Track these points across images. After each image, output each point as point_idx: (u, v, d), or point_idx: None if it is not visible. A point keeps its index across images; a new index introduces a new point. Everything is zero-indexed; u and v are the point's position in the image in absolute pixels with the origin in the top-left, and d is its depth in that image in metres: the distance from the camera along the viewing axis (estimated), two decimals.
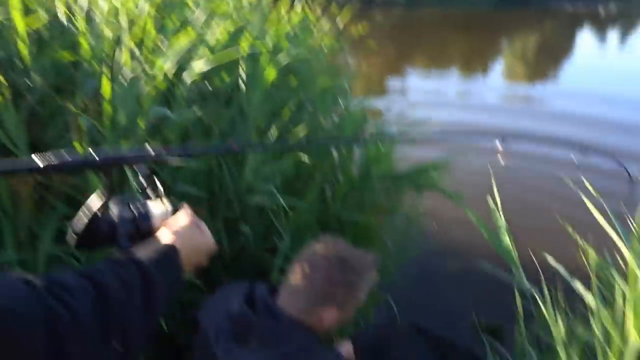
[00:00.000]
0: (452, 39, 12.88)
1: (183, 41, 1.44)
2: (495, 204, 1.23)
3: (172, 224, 0.69)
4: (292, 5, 2.40)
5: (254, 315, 0.93)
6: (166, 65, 1.38)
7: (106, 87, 1.26)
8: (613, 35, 15.59)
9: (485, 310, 2.39)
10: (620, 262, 1.26)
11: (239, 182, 1.64)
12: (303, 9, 2.31)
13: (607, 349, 0.91)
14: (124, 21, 1.40)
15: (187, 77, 1.55)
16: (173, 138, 1.50)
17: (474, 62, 9.90)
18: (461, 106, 5.92)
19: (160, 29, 1.55)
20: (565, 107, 5.81)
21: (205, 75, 1.70)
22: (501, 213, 1.22)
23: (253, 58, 1.90)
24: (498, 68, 9.75)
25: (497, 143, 1.19)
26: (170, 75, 1.52)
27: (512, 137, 1.20)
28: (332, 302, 0.95)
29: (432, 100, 6.15)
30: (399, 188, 1.92)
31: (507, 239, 1.22)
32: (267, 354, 0.88)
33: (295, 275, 0.97)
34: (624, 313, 0.97)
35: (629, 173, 1.29)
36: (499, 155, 1.15)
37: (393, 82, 7.54)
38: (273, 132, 1.62)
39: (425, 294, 2.60)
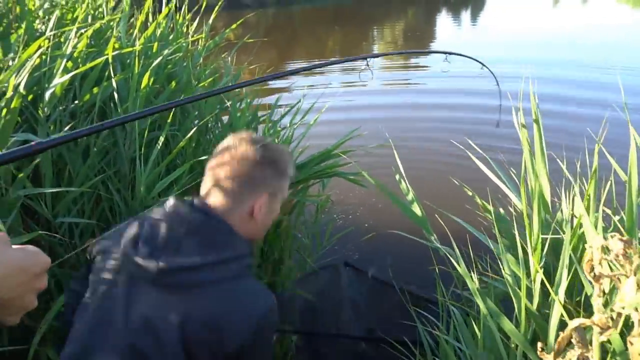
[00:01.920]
0: (327, 34, 13.33)
1: (33, 52, 1.24)
2: (402, 175, 1.27)
3: None
4: (159, 9, 2.25)
5: (186, 217, 0.86)
6: (18, 81, 1.19)
7: None
8: (465, 15, 17.44)
9: (410, 280, 2.50)
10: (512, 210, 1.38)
11: (132, 203, 1.49)
12: (170, 11, 2.17)
13: (517, 290, 0.97)
14: None
15: (49, 94, 1.36)
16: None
17: (350, 52, 10.35)
18: (346, 93, 6.15)
19: (4, 42, 1.32)
20: (440, 86, 6.36)
21: (70, 90, 1.51)
22: (407, 183, 1.26)
23: (123, 64, 1.74)
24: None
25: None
26: (26, 93, 1.32)
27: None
28: (262, 186, 0.92)
29: (318, 92, 6.33)
30: (301, 180, 1.91)
31: (418, 208, 1.25)
32: (205, 258, 0.82)
33: (217, 170, 0.91)
34: (524, 253, 1.06)
35: (494, 75, 1.39)
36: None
37: (278, 81, 7.55)
38: (160, 141, 1.49)
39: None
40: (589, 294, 0.62)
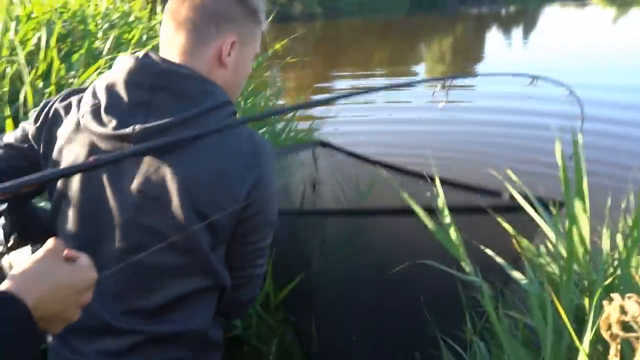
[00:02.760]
0: (374, 46, 13.37)
1: (92, 72, 1.34)
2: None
3: (20, 267, 0.52)
4: None
5: (147, 71, 0.75)
6: None
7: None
8: (517, 32, 16.95)
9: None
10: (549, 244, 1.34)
11: None
12: None
13: (544, 333, 0.95)
14: (22, 57, 1.27)
15: None
16: None
17: (397, 66, 10.33)
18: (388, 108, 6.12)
19: (66, 61, 1.43)
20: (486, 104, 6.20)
21: None
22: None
23: None
24: (420, 70, 10.23)
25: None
26: None
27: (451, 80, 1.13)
28: (229, 24, 0.80)
29: (360, 106, 6.33)
30: None
31: (454, 234, 1.24)
32: (183, 113, 0.74)
33: (175, 11, 0.79)
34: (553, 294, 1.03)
35: (579, 102, 1.25)
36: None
37: (322, 92, 7.65)
38: None
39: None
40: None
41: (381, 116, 5.70)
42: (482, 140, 4.89)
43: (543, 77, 1.15)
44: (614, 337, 0.51)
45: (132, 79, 0.75)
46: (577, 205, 1.11)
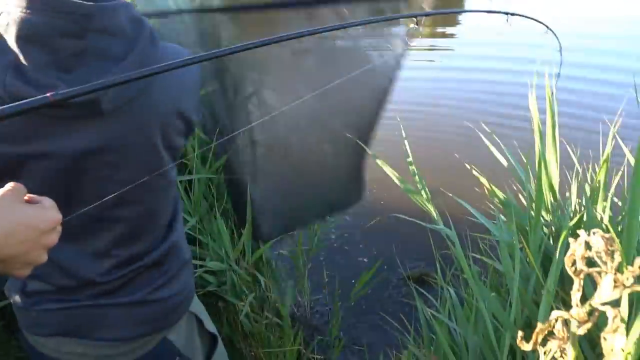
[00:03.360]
0: None
1: None
2: (407, 153, 1.25)
3: None
4: None
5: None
6: None
7: None
8: None
9: (411, 260, 2.51)
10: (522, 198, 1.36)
11: None
12: None
13: (512, 275, 0.97)
14: None
15: None
16: None
17: None
18: None
19: None
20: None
21: None
22: (413, 162, 1.25)
23: None
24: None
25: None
26: None
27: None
28: None
29: None
30: None
31: (422, 189, 1.25)
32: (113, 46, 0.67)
33: None
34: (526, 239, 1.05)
35: (557, 37, 1.22)
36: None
37: None
38: None
39: (354, 255, 2.68)
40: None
41: None
42: (457, 91, 4.88)
43: (519, 13, 1.11)
44: (577, 272, 0.51)
45: (59, 28, 0.63)
46: (548, 154, 1.12)
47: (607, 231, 0.94)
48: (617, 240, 0.47)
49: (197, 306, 0.99)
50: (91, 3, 0.64)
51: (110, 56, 0.67)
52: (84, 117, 0.67)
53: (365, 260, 2.43)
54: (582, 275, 0.50)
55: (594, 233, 0.48)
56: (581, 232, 0.50)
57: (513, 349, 0.99)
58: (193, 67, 0.76)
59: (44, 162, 0.68)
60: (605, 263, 0.48)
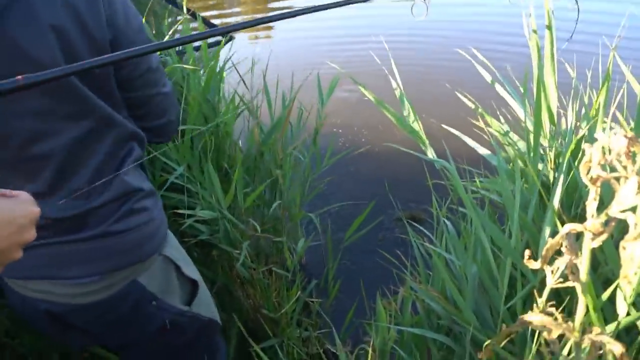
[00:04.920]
0: None
1: None
2: (397, 82, 1.19)
3: None
4: None
5: None
6: None
7: None
8: None
9: (403, 201, 2.50)
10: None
11: None
12: None
13: (511, 198, 0.94)
14: None
15: None
16: None
17: None
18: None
19: None
20: None
21: None
22: (402, 90, 1.18)
23: None
24: None
25: None
26: None
27: None
28: None
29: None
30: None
31: (414, 120, 1.19)
32: None
33: None
34: (524, 164, 1.01)
35: None
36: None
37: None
38: None
39: (347, 195, 2.66)
40: (585, 200, 0.58)
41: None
42: (448, 19, 4.73)
43: None
44: (594, 180, 0.47)
45: None
46: (545, 76, 1.06)
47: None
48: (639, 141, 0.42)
49: (175, 252, 0.98)
50: None
51: None
52: None
53: (358, 202, 2.42)
54: (598, 183, 0.46)
55: (614, 133, 0.43)
56: (599, 134, 0.46)
57: (513, 278, 0.99)
58: None
59: None
60: (625, 167, 0.44)
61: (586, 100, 1.19)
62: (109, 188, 0.81)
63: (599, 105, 1.07)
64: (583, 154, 0.53)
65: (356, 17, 5.28)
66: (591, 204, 0.48)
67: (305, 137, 2.14)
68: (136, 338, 0.98)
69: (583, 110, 1.15)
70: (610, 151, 0.45)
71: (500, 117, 1.31)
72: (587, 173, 0.47)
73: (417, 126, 1.15)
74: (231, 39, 1.62)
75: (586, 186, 0.58)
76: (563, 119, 1.17)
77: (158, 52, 0.83)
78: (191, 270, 1.02)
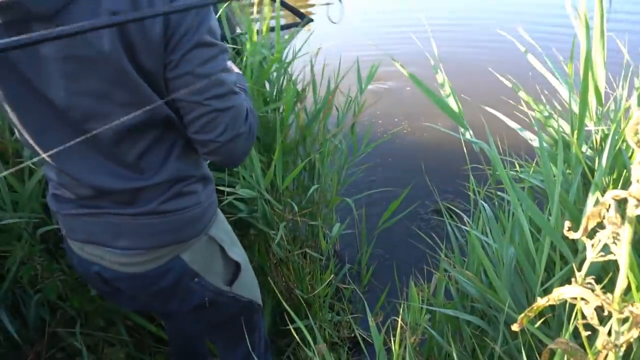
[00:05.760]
0: None
1: None
2: (438, 64, 1.17)
3: None
4: None
5: None
6: None
7: None
8: None
9: (442, 187, 2.47)
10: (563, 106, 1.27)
11: None
12: None
13: (555, 185, 0.92)
14: None
15: None
16: None
17: None
18: None
19: None
20: None
21: None
22: (443, 73, 1.17)
23: None
24: None
25: None
26: None
27: None
28: None
29: None
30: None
31: (453, 101, 1.18)
32: None
33: None
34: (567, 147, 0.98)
35: None
36: None
37: None
38: None
39: (383, 182, 2.65)
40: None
41: None
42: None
43: None
44: None
45: None
46: (593, 53, 1.02)
47: None
48: None
49: (222, 233, 1.00)
50: None
51: None
52: (27, 22, 0.68)
53: (394, 189, 2.41)
54: None
55: None
56: None
57: (551, 261, 0.97)
58: None
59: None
60: None
61: (637, 83, 1.14)
62: (161, 170, 0.85)
63: None
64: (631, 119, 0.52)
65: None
66: (637, 168, 0.47)
67: (344, 123, 2.15)
68: (177, 310, 1.02)
69: (634, 92, 1.11)
70: None
71: (543, 99, 1.28)
72: (635, 135, 0.46)
73: (457, 107, 1.14)
74: (310, 21, 1.60)
75: (633, 161, 0.56)
76: (612, 101, 1.13)
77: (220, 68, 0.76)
78: (236, 252, 1.04)
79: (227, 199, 1.48)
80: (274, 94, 1.65)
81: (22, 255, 1.27)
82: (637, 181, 0.48)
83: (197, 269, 0.95)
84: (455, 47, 3.73)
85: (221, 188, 1.47)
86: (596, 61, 0.99)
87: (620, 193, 0.49)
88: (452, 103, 1.17)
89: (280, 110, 1.66)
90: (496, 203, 1.24)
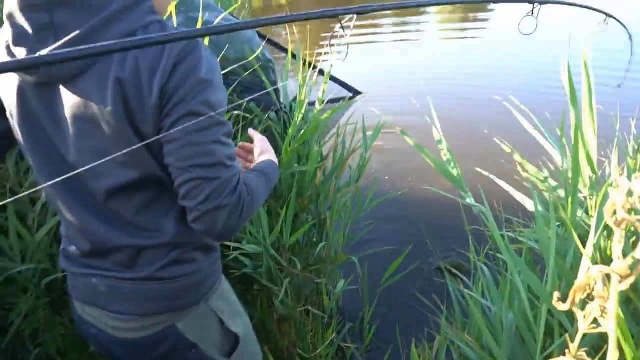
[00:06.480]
0: None
1: None
2: (437, 129, 1.23)
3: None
4: None
5: None
6: None
7: None
8: None
9: (445, 244, 2.47)
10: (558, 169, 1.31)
11: None
12: None
13: (548, 244, 0.93)
14: None
15: None
16: None
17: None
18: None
19: None
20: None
21: None
22: (442, 138, 1.22)
23: None
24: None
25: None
26: None
27: None
28: None
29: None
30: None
31: (454, 167, 1.22)
32: (92, 20, 0.71)
33: None
34: (564, 212, 1.01)
35: (625, 27, 1.12)
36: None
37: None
38: None
39: (386, 240, 2.66)
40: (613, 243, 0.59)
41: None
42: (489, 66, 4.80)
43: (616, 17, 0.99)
44: (618, 222, 0.49)
45: (26, 2, 0.70)
46: (584, 122, 1.07)
47: None
48: None
49: (222, 304, 0.98)
50: None
51: (75, 27, 0.71)
52: (51, 83, 0.76)
53: (397, 248, 2.41)
54: (623, 225, 0.48)
55: (635, 178, 0.46)
56: (621, 178, 0.48)
57: (550, 325, 0.96)
58: (201, 60, 0.74)
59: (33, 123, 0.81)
60: None
61: (630, 150, 1.18)
62: (160, 231, 0.85)
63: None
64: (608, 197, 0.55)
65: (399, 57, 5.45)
66: (616, 246, 0.49)
67: (348, 180, 2.18)
68: None
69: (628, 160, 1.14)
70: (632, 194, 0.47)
71: (540, 163, 1.32)
72: (612, 215, 0.49)
73: (456, 172, 1.18)
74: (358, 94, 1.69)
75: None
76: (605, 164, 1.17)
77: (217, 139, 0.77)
78: (237, 323, 1.01)
79: (232, 254, 1.49)
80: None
81: (26, 307, 1.28)
82: (619, 258, 0.50)
83: (193, 339, 0.93)
84: (453, 110, 3.86)
85: (227, 243, 1.49)
86: (587, 131, 1.04)
87: (604, 269, 0.51)
88: (452, 168, 1.21)
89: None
90: (497, 264, 1.25)
